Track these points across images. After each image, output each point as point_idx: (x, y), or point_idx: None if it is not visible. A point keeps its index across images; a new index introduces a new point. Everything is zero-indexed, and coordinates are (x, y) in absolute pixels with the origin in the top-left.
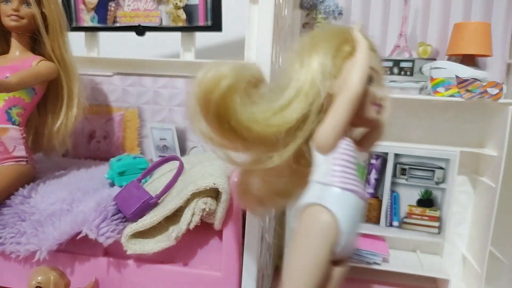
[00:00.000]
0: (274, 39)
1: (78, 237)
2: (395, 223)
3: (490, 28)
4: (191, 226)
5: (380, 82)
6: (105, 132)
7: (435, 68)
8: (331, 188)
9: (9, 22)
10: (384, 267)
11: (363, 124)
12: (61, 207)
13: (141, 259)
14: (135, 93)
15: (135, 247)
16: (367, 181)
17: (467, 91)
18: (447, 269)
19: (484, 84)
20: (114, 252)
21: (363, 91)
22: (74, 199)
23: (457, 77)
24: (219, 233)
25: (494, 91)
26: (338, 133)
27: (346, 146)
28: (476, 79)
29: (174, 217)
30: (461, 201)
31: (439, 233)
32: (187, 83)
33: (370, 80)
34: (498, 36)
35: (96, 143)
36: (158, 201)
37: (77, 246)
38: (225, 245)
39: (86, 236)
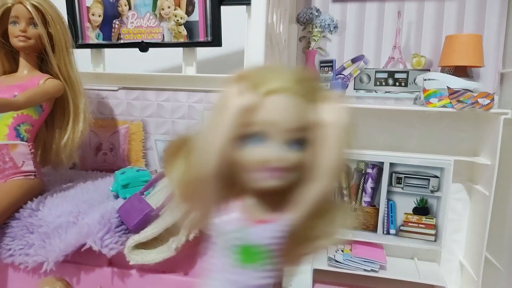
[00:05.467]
0: (267, 56)
1: (82, 249)
2: (392, 231)
3: (481, 39)
4: (190, 238)
5: (276, 137)
6: (111, 145)
7: (428, 79)
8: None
9: (17, 42)
10: (381, 274)
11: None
12: (67, 220)
13: (144, 269)
14: (139, 107)
15: (137, 257)
16: (364, 190)
17: (459, 101)
18: (444, 276)
19: (475, 94)
20: (118, 262)
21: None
22: (80, 212)
23: (448, 88)
24: None
25: (485, 101)
26: None
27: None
28: (467, 90)
29: (174, 228)
30: (457, 209)
31: (435, 240)
32: (189, 96)
33: (246, 140)
34: (491, 46)
35: (103, 155)
36: (159, 213)
37: (82, 257)
38: None
39: (90, 247)
